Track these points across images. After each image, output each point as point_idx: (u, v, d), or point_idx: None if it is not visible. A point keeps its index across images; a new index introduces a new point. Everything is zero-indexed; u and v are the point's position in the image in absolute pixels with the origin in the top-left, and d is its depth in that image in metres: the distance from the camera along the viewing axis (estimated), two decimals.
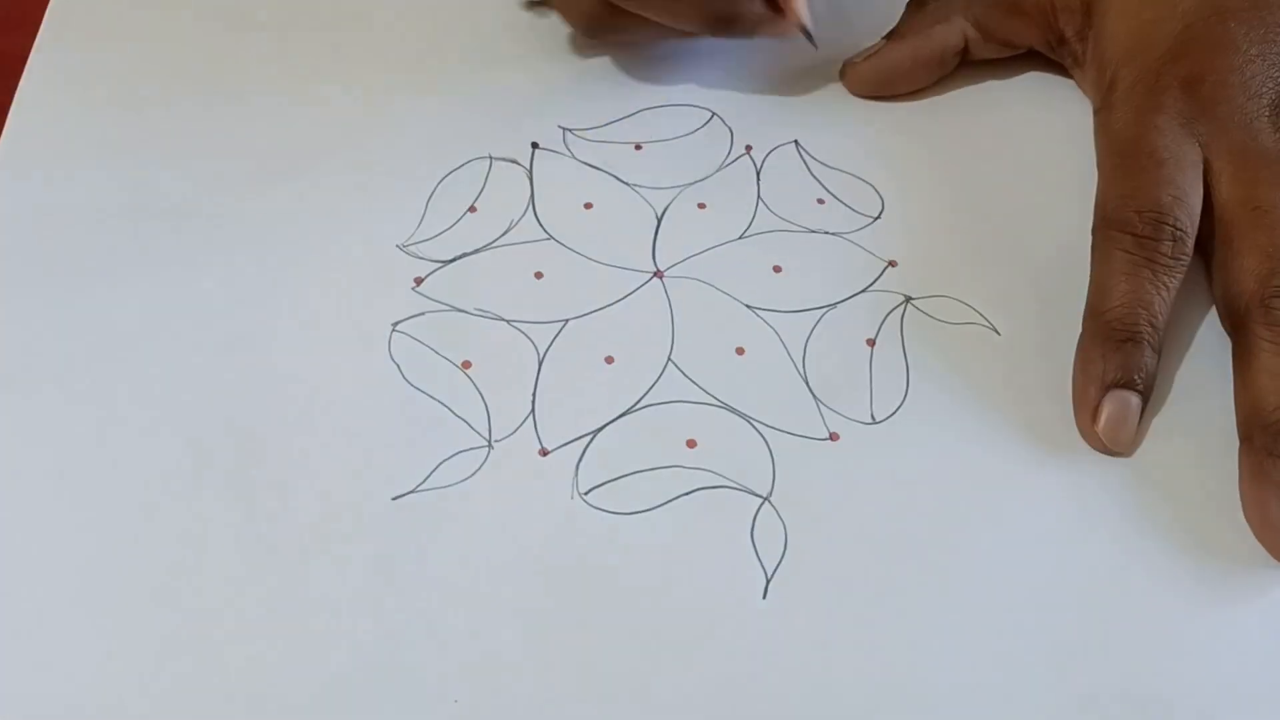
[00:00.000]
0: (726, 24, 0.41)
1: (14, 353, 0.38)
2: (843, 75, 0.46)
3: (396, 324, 0.39)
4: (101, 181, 0.42)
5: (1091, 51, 0.44)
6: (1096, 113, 0.43)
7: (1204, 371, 0.39)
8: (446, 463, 0.36)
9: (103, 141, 0.43)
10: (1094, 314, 0.38)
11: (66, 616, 0.33)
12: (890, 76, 0.45)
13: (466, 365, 0.38)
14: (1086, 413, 0.37)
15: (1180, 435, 0.37)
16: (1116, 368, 0.37)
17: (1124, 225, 0.38)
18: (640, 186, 0.43)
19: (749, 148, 0.44)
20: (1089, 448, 0.37)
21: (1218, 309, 0.39)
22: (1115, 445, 0.36)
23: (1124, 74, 0.42)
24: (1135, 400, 0.36)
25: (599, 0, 0.41)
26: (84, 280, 0.40)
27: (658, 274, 0.40)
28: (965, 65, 0.46)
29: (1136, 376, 0.37)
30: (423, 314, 0.39)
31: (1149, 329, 0.37)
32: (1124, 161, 0.40)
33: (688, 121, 0.44)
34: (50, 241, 0.41)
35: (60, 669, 0.32)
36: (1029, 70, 0.47)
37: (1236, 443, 0.36)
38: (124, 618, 0.33)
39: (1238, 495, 0.36)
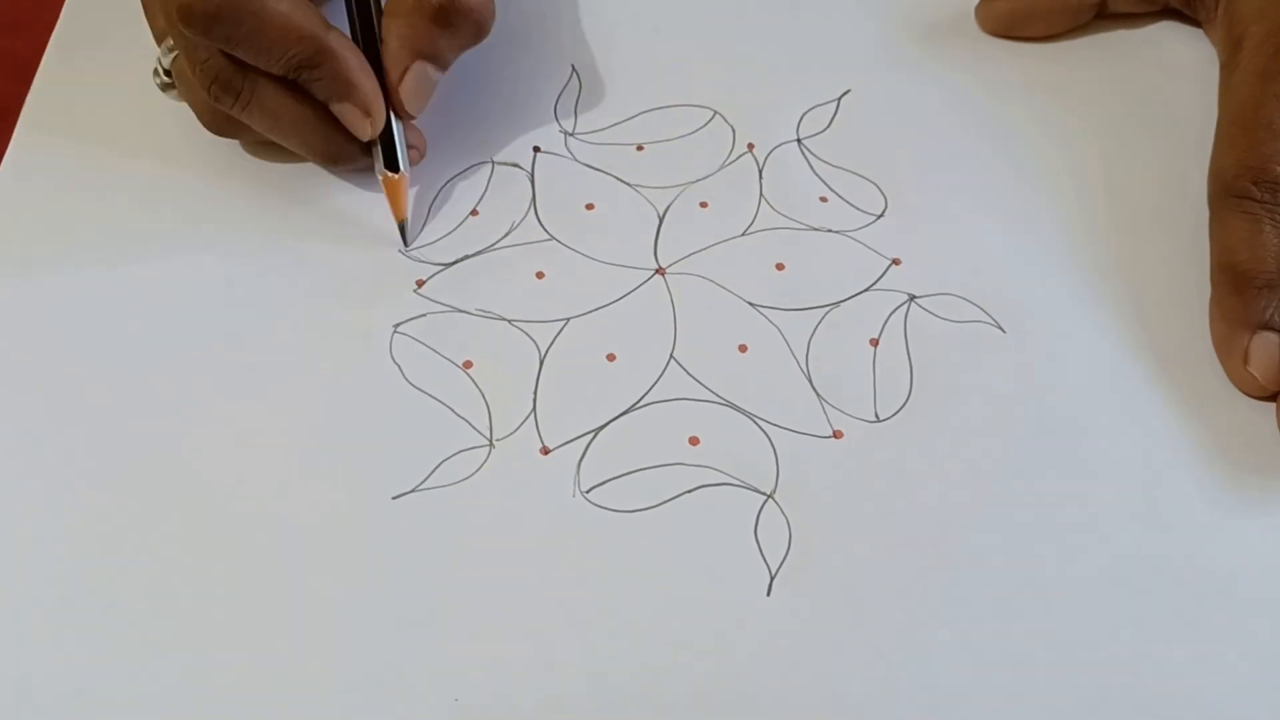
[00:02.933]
0: (329, 160, 0.42)
1: (16, 347, 0.38)
2: (977, 11, 0.47)
3: (398, 325, 0.39)
4: (108, 182, 0.42)
5: (1224, 6, 0.44)
6: (1221, 68, 0.44)
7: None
8: (447, 462, 0.36)
9: (111, 143, 0.43)
10: (1225, 268, 0.39)
11: (60, 616, 0.33)
12: (1025, 18, 0.47)
13: (468, 365, 0.38)
14: (1236, 357, 0.38)
15: (1187, 430, 0.37)
16: (1258, 311, 0.38)
17: (1242, 194, 0.39)
18: (642, 186, 0.43)
19: (751, 146, 0.44)
20: (1088, 445, 0.37)
21: None
22: (1270, 383, 0.37)
23: (1253, 31, 0.42)
24: (1276, 339, 0.37)
25: (213, 108, 0.40)
26: (86, 278, 0.40)
27: (659, 271, 0.40)
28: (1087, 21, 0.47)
29: (1276, 318, 0.38)
30: (424, 315, 0.39)
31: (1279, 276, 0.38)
32: (1241, 132, 0.40)
33: (689, 121, 0.44)
34: (56, 239, 0.41)
35: (54, 670, 0.32)
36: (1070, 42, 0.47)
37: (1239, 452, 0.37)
38: (122, 618, 0.33)
39: (1238, 490, 0.36)
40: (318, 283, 0.40)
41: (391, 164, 0.40)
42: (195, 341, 0.38)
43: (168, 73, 0.42)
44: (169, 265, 0.40)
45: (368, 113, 0.40)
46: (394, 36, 0.40)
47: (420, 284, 0.40)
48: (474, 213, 0.42)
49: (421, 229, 0.41)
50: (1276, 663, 0.33)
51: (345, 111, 0.40)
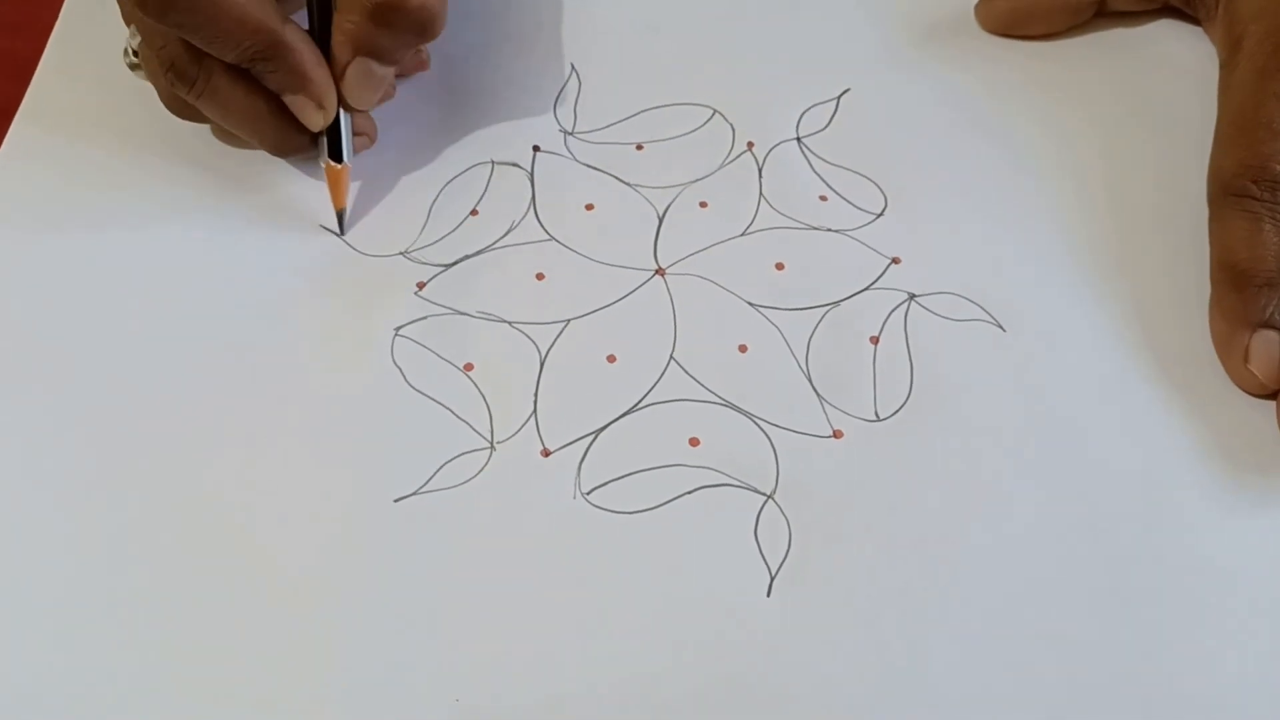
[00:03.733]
0: (281, 150, 0.42)
1: (14, 349, 0.38)
2: (977, 10, 0.47)
3: (399, 328, 0.39)
4: (104, 184, 0.42)
5: (1224, 5, 0.44)
6: (1221, 67, 0.43)
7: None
8: (449, 464, 0.36)
9: (106, 145, 0.43)
10: (1225, 266, 0.39)
11: (61, 617, 0.33)
12: (1025, 17, 0.47)
13: (469, 368, 0.38)
14: (1236, 355, 0.38)
15: (1187, 428, 0.37)
16: (1259, 310, 0.38)
17: (1242, 193, 0.39)
18: (641, 186, 0.43)
19: (751, 144, 0.44)
20: (1088, 444, 0.37)
21: None
22: (1270, 381, 0.37)
23: (1253, 30, 0.42)
24: (1277, 337, 0.38)
25: (172, 95, 0.41)
26: (85, 281, 0.40)
27: (659, 271, 0.40)
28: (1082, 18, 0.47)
29: (1276, 317, 0.38)
30: (425, 318, 0.39)
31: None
32: (1240, 132, 0.40)
33: (689, 120, 0.44)
34: (51, 241, 0.41)
35: (55, 670, 0.33)
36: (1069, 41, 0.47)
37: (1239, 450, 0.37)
38: (122, 619, 0.33)
39: (1238, 488, 0.36)
40: (319, 285, 0.40)
41: (335, 154, 0.41)
42: (195, 344, 0.38)
43: (136, 53, 0.42)
44: (167, 267, 0.40)
45: (320, 105, 0.40)
46: (338, 31, 0.40)
47: (421, 286, 0.40)
48: (474, 212, 0.42)
49: (422, 229, 0.41)
50: (1277, 662, 0.33)
51: (298, 103, 0.40)
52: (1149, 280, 0.40)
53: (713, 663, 0.33)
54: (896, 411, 0.37)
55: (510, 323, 0.39)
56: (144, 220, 0.41)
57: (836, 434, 0.37)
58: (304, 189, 0.42)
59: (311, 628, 0.33)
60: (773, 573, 0.34)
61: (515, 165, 0.43)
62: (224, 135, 0.43)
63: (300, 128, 0.41)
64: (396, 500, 0.35)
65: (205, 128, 0.43)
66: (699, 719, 0.32)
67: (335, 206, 0.41)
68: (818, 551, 0.35)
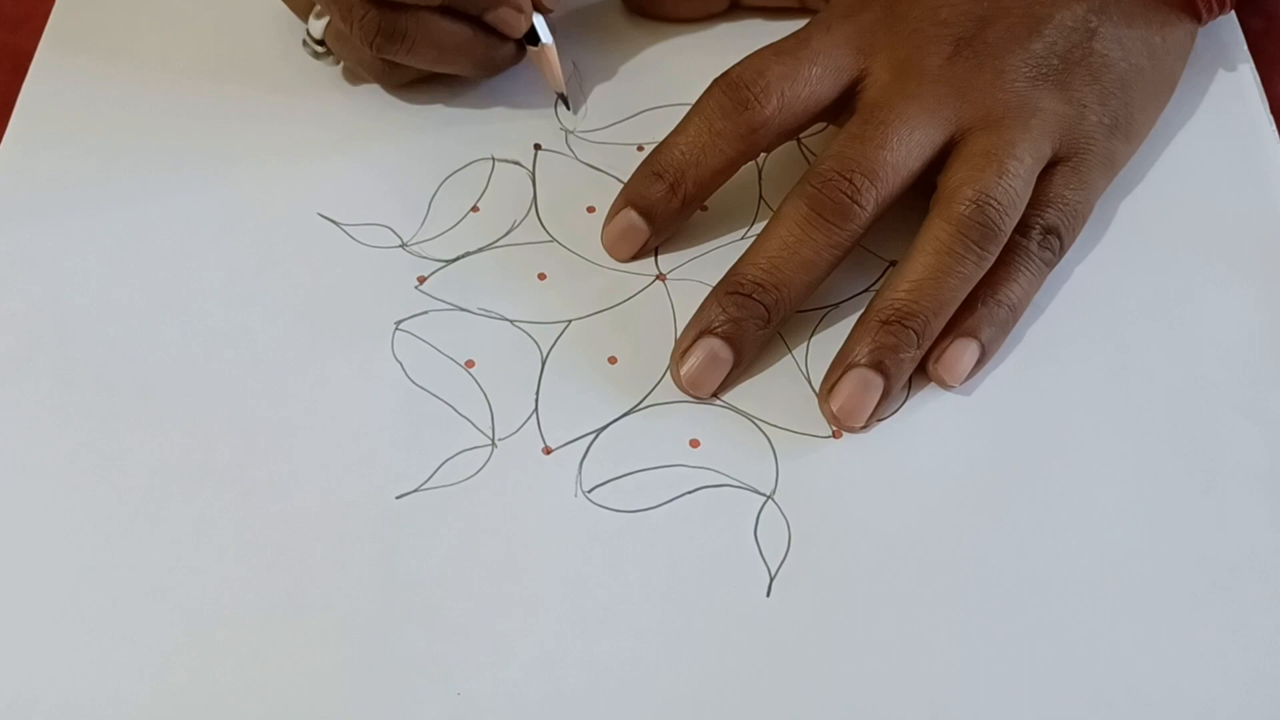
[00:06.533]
0: (491, 69, 0.43)
1: (14, 345, 0.38)
2: None
3: (399, 323, 0.39)
4: (104, 178, 0.42)
5: None
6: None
7: None
8: (450, 461, 0.36)
9: (106, 140, 0.43)
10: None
11: (64, 614, 0.33)
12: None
13: (470, 364, 0.38)
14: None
15: (1186, 427, 0.37)
16: None
17: None
18: None
19: None
20: (1086, 444, 0.37)
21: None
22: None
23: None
24: None
25: (378, 61, 0.42)
26: (85, 275, 0.40)
27: (660, 277, 0.41)
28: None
29: None
30: (426, 313, 0.39)
31: None
32: None
33: None
34: (52, 235, 0.41)
35: (57, 668, 0.33)
36: None
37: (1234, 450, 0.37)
38: (125, 616, 0.33)
39: (1237, 486, 0.36)
40: (318, 276, 0.40)
41: (534, 39, 0.43)
42: (196, 339, 0.38)
43: (319, 41, 0.44)
44: (168, 261, 0.40)
45: (519, 9, 0.42)
46: None
47: (421, 280, 0.40)
48: (474, 209, 0.42)
49: (422, 222, 0.42)
50: (1277, 660, 0.33)
51: (500, 15, 0.42)
52: (1151, 276, 0.40)
53: (712, 662, 0.33)
54: (895, 412, 0.38)
55: (512, 321, 0.39)
56: (143, 212, 0.41)
57: (836, 434, 0.37)
58: (303, 178, 0.42)
59: (313, 623, 0.33)
60: (772, 573, 0.35)
61: (516, 163, 0.43)
62: (393, 77, 0.44)
63: (502, 39, 0.43)
64: (398, 497, 0.36)
65: (202, 127, 0.43)
66: (698, 718, 0.32)
67: (555, 89, 0.44)
68: (817, 552, 0.35)
